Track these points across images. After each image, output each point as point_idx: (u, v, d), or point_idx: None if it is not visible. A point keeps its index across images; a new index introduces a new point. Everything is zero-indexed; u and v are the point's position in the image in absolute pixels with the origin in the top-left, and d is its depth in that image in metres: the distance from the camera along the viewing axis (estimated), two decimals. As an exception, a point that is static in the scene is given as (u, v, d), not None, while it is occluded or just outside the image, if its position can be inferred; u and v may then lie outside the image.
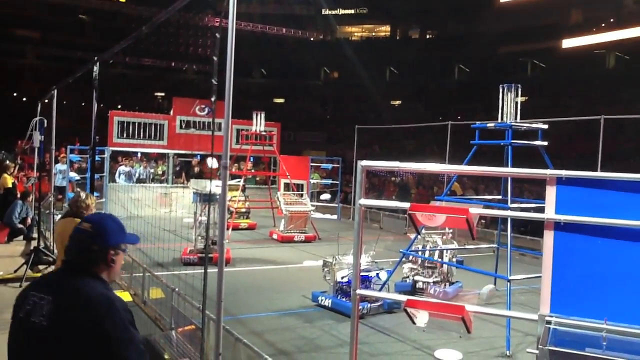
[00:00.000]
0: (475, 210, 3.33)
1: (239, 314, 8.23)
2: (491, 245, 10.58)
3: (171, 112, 21.24)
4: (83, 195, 6.81)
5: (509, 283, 7.20)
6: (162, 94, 46.11)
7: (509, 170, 5.98)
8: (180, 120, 20.99)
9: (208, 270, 4.87)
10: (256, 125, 17.20)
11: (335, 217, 21.21)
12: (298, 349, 7.01)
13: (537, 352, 2.90)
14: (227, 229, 9.33)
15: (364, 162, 3.60)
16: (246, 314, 8.28)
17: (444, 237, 9.85)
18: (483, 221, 16.42)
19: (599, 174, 3.16)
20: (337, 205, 21.60)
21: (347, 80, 49.32)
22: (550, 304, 3.16)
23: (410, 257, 9.62)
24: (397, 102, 49.48)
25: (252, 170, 23.42)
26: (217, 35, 4.71)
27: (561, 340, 2.89)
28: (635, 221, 2.98)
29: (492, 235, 13.98)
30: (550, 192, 3.19)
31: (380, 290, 8.50)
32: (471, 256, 11.83)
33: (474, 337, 7.49)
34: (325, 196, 22.00)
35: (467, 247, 10.12)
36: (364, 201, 3.59)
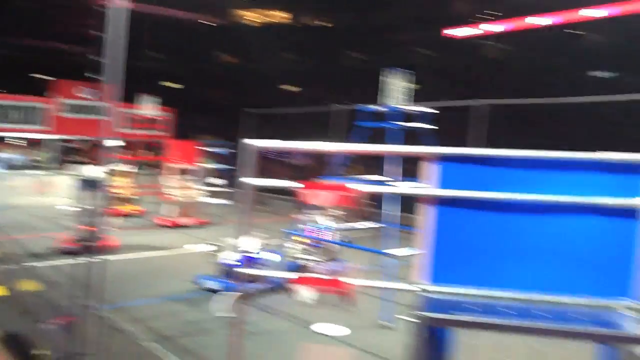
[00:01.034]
0: (356, 187, 3.34)
1: (121, 302, 7.88)
2: (378, 225, 10.77)
3: (52, 95, 19.92)
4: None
5: (393, 259, 7.38)
6: (44, 77, 43.25)
7: (392, 147, 6.13)
8: (64, 104, 19.77)
9: (88, 259, 4.58)
10: (147, 109, 16.56)
11: (231, 202, 20.93)
12: (183, 333, 6.83)
13: (412, 319, 2.96)
14: (111, 215, 8.86)
15: (250, 141, 3.49)
16: (129, 302, 7.95)
17: (332, 217, 10.02)
18: (375, 203, 16.82)
19: (477, 150, 3.25)
20: (231, 190, 21.32)
21: (245, 65, 48.67)
22: (426, 274, 3.24)
23: (299, 238, 9.69)
24: (295, 89, 49.52)
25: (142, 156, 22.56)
26: (105, 14, 4.41)
27: (436, 307, 2.96)
28: (508, 194, 3.11)
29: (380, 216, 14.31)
30: (432, 169, 3.26)
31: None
32: (363, 236, 12.06)
33: (356, 310, 7.65)
34: (219, 181, 21.61)
35: (354, 226, 10.31)
36: (252, 181, 3.49)
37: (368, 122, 8.49)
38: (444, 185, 3.21)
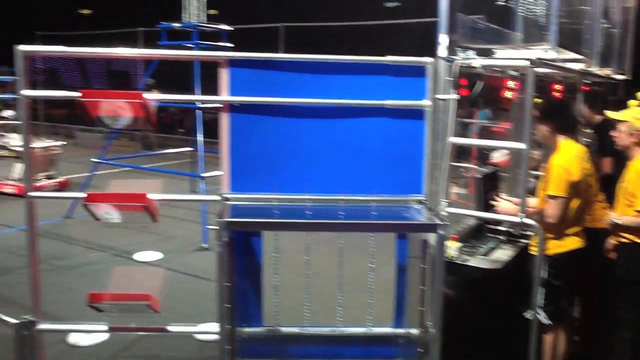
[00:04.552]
0: (151, 96, 3.23)
1: None
2: (187, 149, 10.67)
3: None
4: None
5: (202, 180, 7.43)
6: None
7: (187, 53, 6.01)
8: None
9: None
10: None
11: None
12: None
13: (216, 227, 3.01)
14: None
15: (23, 47, 3.17)
16: None
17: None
18: (182, 130, 16.55)
19: (265, 54, 3.28)
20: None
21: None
22: (229, 184, 3.30)
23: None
24: (87, 11, 45.40)
25: None
26: None
27: (239, 214, 3.04)
28: (296, 99, 3.21)
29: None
30: (224, 75, 3.24)
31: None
32: (173, 163, 11.86)
33: (173, 236, 7.67)
34: (9, 113, 19.50)
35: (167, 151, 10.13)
36: (27, 92, 3.19)
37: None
38: (236, 92, 3.21)
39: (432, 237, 2.77)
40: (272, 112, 3.26)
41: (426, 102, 3.19)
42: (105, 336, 4.69)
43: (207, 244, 7.29)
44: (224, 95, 3.25)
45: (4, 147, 11.52)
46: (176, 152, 11.13)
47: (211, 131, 9.71)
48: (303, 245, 3.30)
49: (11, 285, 5.97)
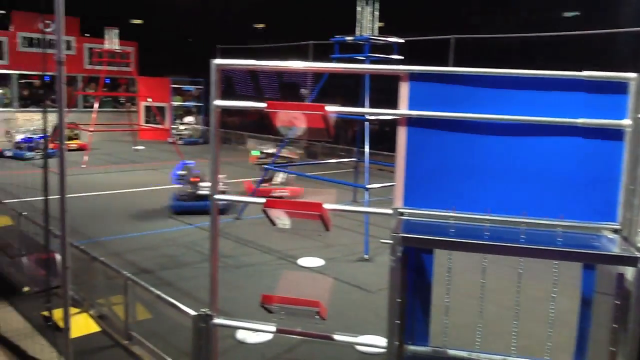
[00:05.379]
0: (331, 108, 3.29)
1: (96, 237, 7.86)
2: (351, 159, 10.88)
3: (10, 28, 19.13)
4: None
5: (367, 191, 7.49)
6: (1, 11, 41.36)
7: (363, 66, 6.06)
8: (23, 37, 19.02)
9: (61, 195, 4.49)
10: (109, 43, 16.01)
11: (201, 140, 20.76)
12: (161, 266, 6.87)
13: (390, 241, 2.98)
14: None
15: (218, 61, 3.41)
16: (105, 237, 7.94)
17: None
18: (345, 140, 16.90)
19: (448, 68, 3.21)
20: (201, 127, 21.09)
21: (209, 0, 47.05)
22: (403, 198, 3.25)
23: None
24: (261, 25, 48.28)
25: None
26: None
27: (413, 230, 2.97)
28: (480, 114, 3.08)
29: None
30: (404, 88, 3.21)
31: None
32: (335, 172, 12.16)
33: (335, 244, 7.81)
34: (189, 119, 21.36)
35: (329, 161, 10.40)
36: (219, 102, 3.44)
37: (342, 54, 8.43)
38: (414, 105, 3.15)
39: (629, 271, 2.50)
40: (451, 127, 3.16)
41: (626, 122, 2.89)
42: (269, 336, 4.87)
43: (368, 255, 7.33)
44: (403, 109, 3.22)
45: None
46: (339, 162, 11.39)
47: (375, 143, 9.85)
48: (473, 266, 3.17)
49: (187, 278, 6.45)
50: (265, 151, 13.78)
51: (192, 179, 9.59)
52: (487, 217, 3.00)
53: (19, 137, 15.57)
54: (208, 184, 9.07)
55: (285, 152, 11.15)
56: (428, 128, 3.19)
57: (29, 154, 14.94)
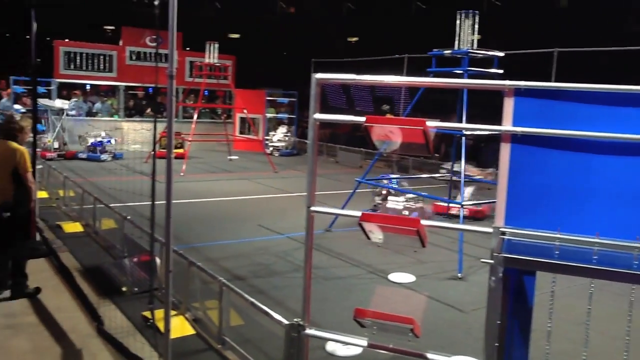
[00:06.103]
0: (432, 123, 3.25)
1: (192, 242, 8.16)
2: (444, 175, 10.72)
3: (120, 43, 20.39)
4: (17, 116, 6.42)
5: (461, 207, 7.34)
6: (112, 27, 44.24)
7: (467, 81, 5.95)
8: (130, 52, 20.22)
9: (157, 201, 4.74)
10: (209, 57, 16.67)
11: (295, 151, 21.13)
12: (254, 274, 7.02)
13: (491, 261, 2.90)
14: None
15: (318, 75, 3.46)
16: (200, 243, 8.22)
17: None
18: (437, 155, 16.66)
19: (556, 84, 3.09)
20: (294, 139, 21.48)
21: (304, 15, 48.08)
22: (504, 216, 3.15)
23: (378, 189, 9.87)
24: (354, 39, 48.68)
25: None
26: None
27: (515, 250, 2.87)
28: (590, 132, 2.94)
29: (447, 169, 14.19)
30: (508, 104, 3.12)
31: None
32: (428, 187, 12.01)
33: (427, 261, 7.68)
34: (282, 130, 21.75)
35: (422, 176, 10.27)
36: (318, 116, 3.48)
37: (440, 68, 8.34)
38: (519, 121, 3.05)
39: None
40: (559, 145, 3.03)
41: None
42: (358, 350, 4.84)
43: (462, 274, 7.15)
44: (507, 125, 3.13)
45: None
46: (431, 177, 11.24)
47: (467, 158, 9.61)
48: (571, 291, 3.01)
49: (278, 287, 6.55)
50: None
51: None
52: (595, 239, 2.84)
53: (90, 141, 16.87)
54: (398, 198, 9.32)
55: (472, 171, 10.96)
56: (533, 145, 3.08)
57: (103, 157, 16.39)
